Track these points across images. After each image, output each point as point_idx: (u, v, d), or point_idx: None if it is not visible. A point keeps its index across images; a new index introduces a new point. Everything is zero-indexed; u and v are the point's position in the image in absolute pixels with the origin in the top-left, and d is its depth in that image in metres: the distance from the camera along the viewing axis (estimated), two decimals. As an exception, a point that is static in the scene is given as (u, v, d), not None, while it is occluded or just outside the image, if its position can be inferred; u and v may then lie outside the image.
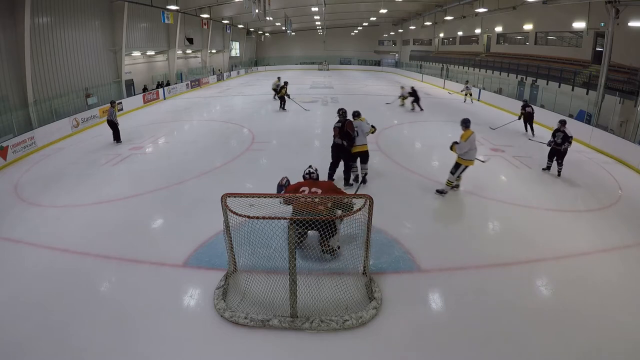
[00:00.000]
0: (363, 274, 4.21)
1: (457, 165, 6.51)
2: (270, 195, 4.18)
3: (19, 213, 6.27)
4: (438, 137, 10.90)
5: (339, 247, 4.64)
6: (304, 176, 4.98)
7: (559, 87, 14.80)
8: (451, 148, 6.57)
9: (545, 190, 7.11)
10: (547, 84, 15.52)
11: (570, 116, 12.49)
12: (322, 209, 4.20)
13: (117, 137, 10.64)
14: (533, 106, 11.84)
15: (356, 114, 7.19)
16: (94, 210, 6.27)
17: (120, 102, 15.71)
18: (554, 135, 7.82)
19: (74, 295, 4.09)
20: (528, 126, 11.59)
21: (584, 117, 12.50)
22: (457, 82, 22.31)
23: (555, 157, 7.85)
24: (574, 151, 10.00)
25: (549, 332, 3.54)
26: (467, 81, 19.55)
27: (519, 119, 11.69)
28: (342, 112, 7.01)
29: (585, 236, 5.35)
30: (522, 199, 6.55)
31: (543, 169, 8.11)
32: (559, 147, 7.68)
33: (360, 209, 3.71)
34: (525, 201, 6.49)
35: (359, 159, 7.05)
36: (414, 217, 5.89)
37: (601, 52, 13.19)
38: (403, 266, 4.57)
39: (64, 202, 6.65)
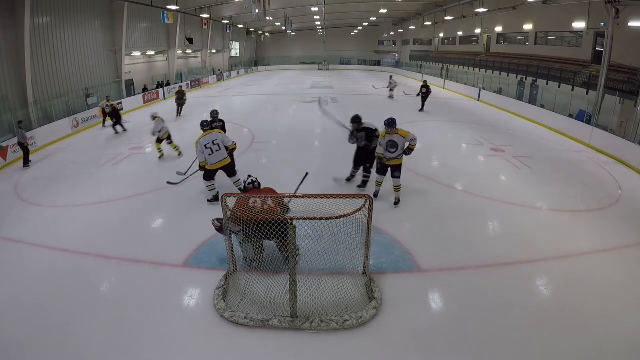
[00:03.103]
0: (363, 274, 4.21)
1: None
2: (270, 196, 4.18)
3: (19, 213, 6.27)
4: (437, 137, 10.92)
5: (297, 249, 4.51)
6: (245, 187, 4.70)
7: (559, 87, 14.79)
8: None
9: (545, 190, 7.10)
10: (547, 84, 15.51)
11: (570, 116, 12.50)
12: (280, 210, 4.08)
13: (27, 161, 9.00)
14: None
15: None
16: (94, 210, 6.27)
17: (121, 102, 15.72)
18: (354, 137, 6.54)
19: (74, 295, 4.09)
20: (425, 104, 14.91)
21: (584, 117, 12.49)
22: (457, 82, 22.32)
23: (364, 164, 6.64)
24: (574, 151, 10.05)
25: (549, 332, 3.54)
26: (391, 76, 20.14)
27: (418, 95, 15.09)
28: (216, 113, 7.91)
29: (585, 236, 5.35)
30: (522, 199, 6.54)
31: (347, 180, 7.00)
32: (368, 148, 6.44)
33: (360, 209, 3.71)
34: (525, 201, 6.49)
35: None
36: (414, 217, 5.89)
37: (601, 52, 13.17)
38: (403, 266, 4.57)
39: (64, 202, 6.65)
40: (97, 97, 15.34)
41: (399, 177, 6.07)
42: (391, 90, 18.46)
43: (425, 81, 16.25)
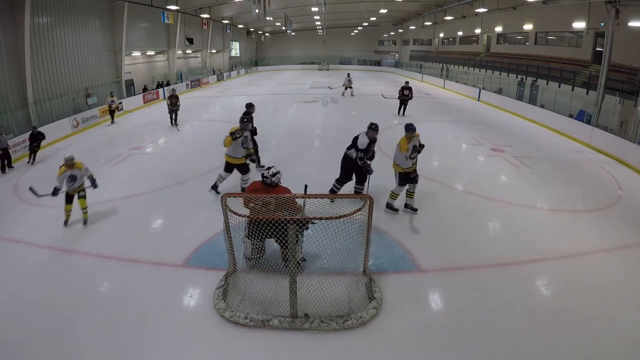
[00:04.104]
0: (363, 274, 4.21)
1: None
2: (269, 196, 4.17)
3: (19, 213, 6.27)
4: (438, 137, 10.90)
5: (303, 260, 4.39)
6: (263, 178, 4.32)
7: (559, 87, 14.80)
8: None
9: (545, 190, 7.10)
10: (547, 84, 15.52)
11: (570, 116, 12.50)
12: (281, 214, 3.88)
13: (7, 165, 8.64)
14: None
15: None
16: (93, 210, 6.26)
17: (121, 102, 15.74)
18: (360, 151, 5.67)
19: (74, 295, 4.09)
20: (403, 108, 13.73)
21: (584, 117, 12.49)
22: (457, 82, 22.32)
23: (356, 175, 5.92)
24: (574, 151, 10.05)
25: (549, 332, 3.54)
26: (349, 74, 20.66)
27: (399, 98, 13.69)
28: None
29: (585, 236, 5.35)
30: (522, 199, 6.54)
31: (331, 201, 4.61)
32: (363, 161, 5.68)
33: (360, 209, 3.71)
34: (525, 201, 6.49)
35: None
36: (414, 217, 5.88)
37: (601, 52, 13.18)
38: (403, 266, 4.57)
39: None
40: (97, 97, 15.35)
41: (417, 181, 5.72)
42: (346, 88, 19.12)
43: (407, 82, 14.47)
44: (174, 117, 12.53)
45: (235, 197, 4.07)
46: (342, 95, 19.20)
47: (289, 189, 4.39)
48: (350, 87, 19.14)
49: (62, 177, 5.44)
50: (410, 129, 5.42)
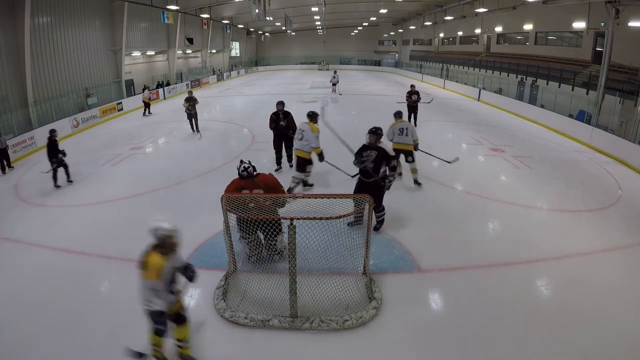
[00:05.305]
0: (363, 274, 4.21)
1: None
2: (270, 195, 4.17)
3: (20, 213, 6.27)
4: (438, 137, 10.90)
5: (280, 252, 4.44)
6: (240, 174, 4.26)
7: (559, 87, 14.79)
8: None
9: (545, 190, 7.10)
10: (547, 84, 15.51)
11: (571, 116, 12.50)
12: (269, 204, 4.00)
13: (7, 165, 8.55)
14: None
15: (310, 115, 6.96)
16: (94, 210, 6.27)
17: (121, 102, 15.75)
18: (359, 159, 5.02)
19: (74, 295, 4.10)
20: (413, 117, 11.68)
21: (584, 117, 12.49)
22: (457, 82, 22.32)
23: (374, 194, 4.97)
24: (574, 151, 10.04)
25: (548, 332, 3.54)
26: (335, 71, 21.16)
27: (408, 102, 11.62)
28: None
29: (585, 236, 5.35)
30: (522, 199, 6.54)
31: (350, 224, 4.98)
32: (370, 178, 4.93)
33: (359, 209, 3.72)
34: (525, 201, 6.49)
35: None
36: (414, 217, 5.88)
37: (601, 52, 13.18)
38: (403, 266, 4.58)
39: (65, 202, 6.65)
40: (97, 97, 15.36)
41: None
42: (334, 85, 19.50)
43: (413, 85, 12.28)
44: (194, 122, 11.37)
45: (235, 197, 4.08)
46: (332, 92, 19.47)
47: (271, 174, 4.47)
48: (335, 84, 19.47)
49: (164, 279, 2.87)
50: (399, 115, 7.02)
